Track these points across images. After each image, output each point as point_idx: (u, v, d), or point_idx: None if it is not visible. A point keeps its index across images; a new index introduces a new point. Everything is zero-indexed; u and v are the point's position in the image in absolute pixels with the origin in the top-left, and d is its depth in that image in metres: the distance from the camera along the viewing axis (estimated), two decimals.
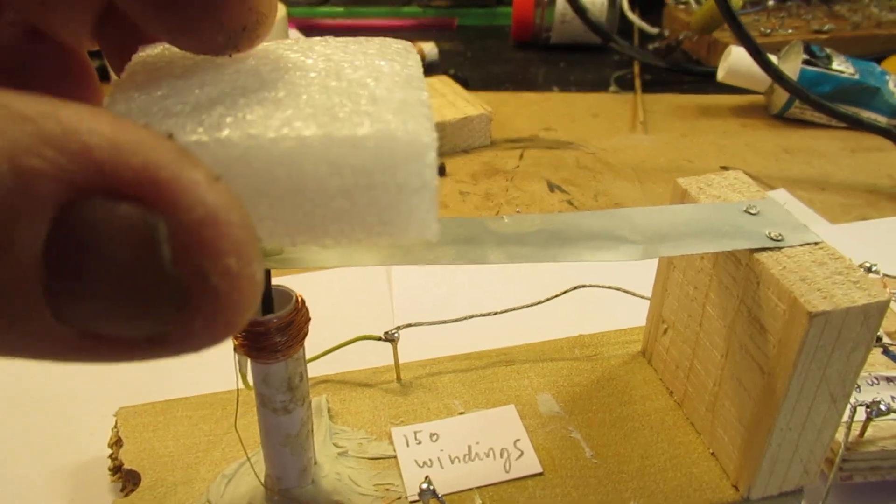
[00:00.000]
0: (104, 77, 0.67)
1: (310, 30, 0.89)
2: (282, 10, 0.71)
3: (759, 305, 0.25)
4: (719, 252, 0.27)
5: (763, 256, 0.25)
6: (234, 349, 0.24)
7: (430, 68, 0.76)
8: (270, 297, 0.23)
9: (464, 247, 0.23)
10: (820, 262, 0.25)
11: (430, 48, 0.76)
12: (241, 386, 0.25)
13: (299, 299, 0.24)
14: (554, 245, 0.24)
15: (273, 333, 0.23)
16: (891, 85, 0.62)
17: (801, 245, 0.25)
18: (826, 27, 0.76)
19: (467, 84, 0.67)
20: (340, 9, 0.92)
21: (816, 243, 0.25)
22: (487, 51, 0.84)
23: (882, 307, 0.23)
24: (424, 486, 0.25)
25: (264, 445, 0.26)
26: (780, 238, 0.25)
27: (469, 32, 0.90)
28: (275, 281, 0.24)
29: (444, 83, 0.64)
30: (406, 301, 0.42)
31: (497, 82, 0.74)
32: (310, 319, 0.24)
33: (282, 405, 0.24)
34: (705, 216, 0.27)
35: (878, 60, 0.70)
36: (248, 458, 0.27)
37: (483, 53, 0.83)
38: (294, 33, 0.81)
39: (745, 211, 0.27)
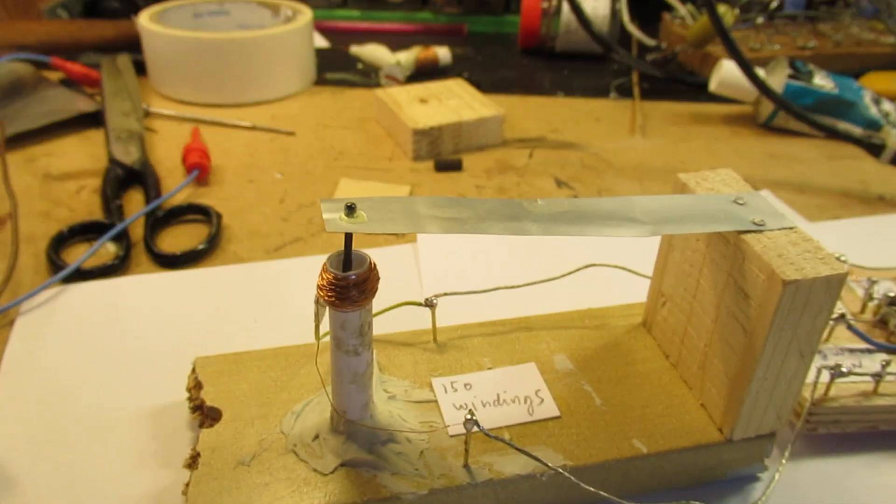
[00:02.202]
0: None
1: (328, 31, 0.94)
2: (308, 13, 0.76)
3: (744, 277, 0.31)
4: (711, 234, 0.33)
5: (748, 237, 0.31)
6: (316, 301, 0.29)
7: (443, 71, 0.81)
8: (350, 258, 0.28)
9: (508, 222, 0.29)
10: (794, 243, 0.30)
11: (444, 52, 0.81)
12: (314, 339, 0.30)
13: (372, 262, 0.29)
14: (580, 222, 0.30)
15: (351, 287, 0.28)
16: (866, 99, 0.68)
17: (779, 229, 0.31)
18: (810, 44, 0.82)
19: (480, 87, 0.73)
20: (357, 12, 0.97)
21: (791, 228, 0.31)
22: (496, 56, 0.89)
23: (841, 279, 0.29)
24: (468, 416, 0.30)
25: (335, 383, 0.31)
26: (762, 223, 0.31)
27: (478, 39, 0.95)
28: None
29: (460, 86, 0.70)
30: (432, 277, 0.47)
31: (505, 86, 0.80)
32: (379, 279, 0.29)
33: (353, 348, 0.30)
34: (701, 204, 0.32)
35: (858, 76, 0.76)
36: (325, 389, 0.33)
37: (492, 59, 0.88)
38: (315, 35, 0.86)
39: (734, 201, 0.33)
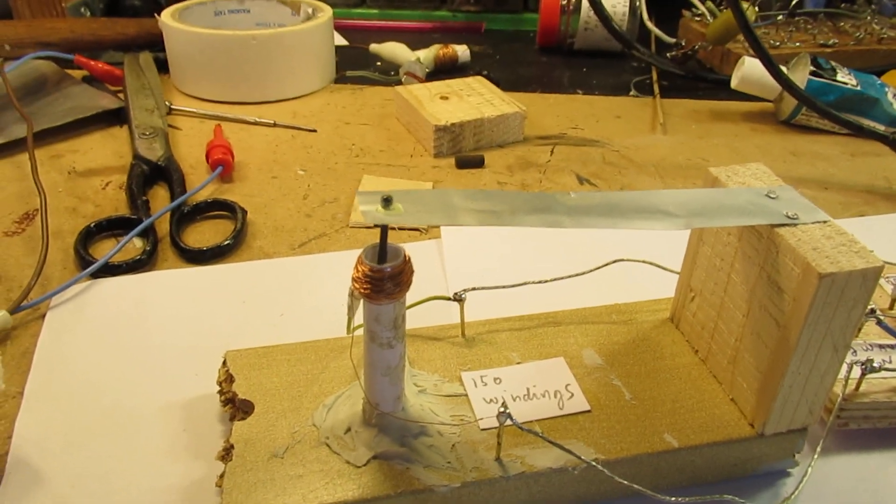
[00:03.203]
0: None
1: (346, 29, 0.94)
2: (328, 11, 0.77)
3: (778, 271, 0.31)
4: (744, 227, 0.32)
5: (782, 231, 0.30)
6: (351, 293, 0.30)
7: (462, 69, 0.81)
8: (385, 251, 0.29)
9: (542, 215, 0.29)
10: (828, 237, 0.30)
11: (462, 50, 0.82)
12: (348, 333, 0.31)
13: (406, 256, 0.29)
14: (613, 215, 0.30)
15: (386, 280, 0.28)
16: (889, 96, 0.68)
17: (813, 223, 0.31)
18: (831, 41, 0.82)
19: (499, 84, 0.73)
20: (375, 10, 0.97)
21: (825, 222, 0.31)
22: (514, 54, 0.89)
23: (877, 272, 0.29)
24: (501, 409, 0.30)
25: (368, 375, 0.31)
26: (795, 217, 0.31)
27: (496, 36, 0.95)
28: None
29: (480, 83, 0.70)
30: (456, 272, 0.47)
31: (524, 83, 0.80)
32: (413, 272, 0.30)
33: (387, 340, 0.30)
34: (734, 198, 0.32)
35: (879, 73, 0.75)
36: (359, 381, 0.33)
37: (510, 56, 0.88)
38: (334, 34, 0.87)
39: (767, 195, 0.33)
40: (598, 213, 0.30)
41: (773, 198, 0.32)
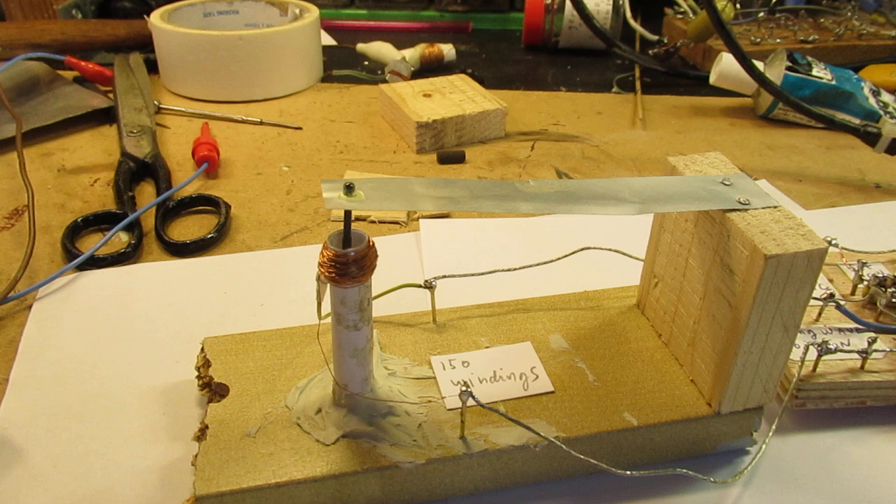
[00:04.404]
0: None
1: (335, 30, 0.95)
2: (315, 11, 0.78)
3: (729, 254, 0.32)
4: (700, 214, 0.34)
5: (733, 215, 0.32)
6: (318, 278, 0.31)
7: (448, 67, 0.82)
8: (350, 236, 0.30)
9: (500, 201, 0.30)
10: (777, 221, 0.31)
11: (448, 49, 0.83)
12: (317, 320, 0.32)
13: (370, 241, 0.30)
14: (570, 202, 0.31)
15: (351, 264, 0.30)
16: (866, 91, 0.69)
17: (763, 208, 0.32)
18: (811, 38, 0.83)
19: (483, 82, 0.74)
20: (363, 11, 0.99)
21: (775, 207, 0.32)
22: (500, 53, 0.91)
23: (821, 254, 0.30)
24: (463, 388, 0.31)
25: (336, 357, 0.32)
26: (746, 202, 0.32)
27: (483, 36, 0.97)
28: None
29: (463, 80, 0.71)
30: (433, 263, 0.48)
31: (509, 81, 0.81)
32: (377, 256, 0.31)
33: (353, 323, 0.31)
34: (689, 185, 0.33)
35: (858, 69, 0.77)
36: (328, 366, 0.34)
37: (496, 55, 0.90)
38: (322, 35, 0.88)
39: (721, 182, 0.34)
40: (555, 199, 0.31)
41: (727, 185, 0.34)
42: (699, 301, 0.35)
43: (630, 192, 0.32)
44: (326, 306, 0.32)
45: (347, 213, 0.29)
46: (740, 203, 0.32)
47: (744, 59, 0.60)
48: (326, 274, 0.30)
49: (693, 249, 0.35)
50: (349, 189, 0.28)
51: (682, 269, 0.36)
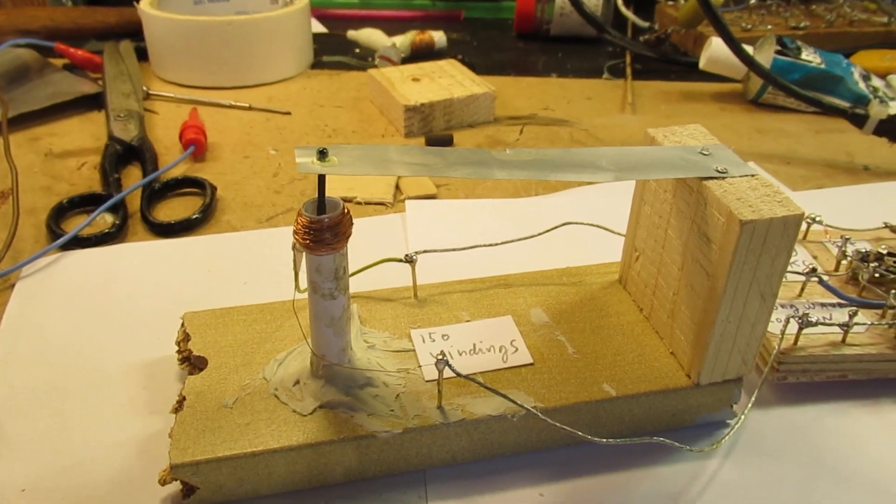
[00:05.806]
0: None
1: (328, 18, 0.95)
2: None
3: (706, 222, 0.32)
4: (678, 184, 0.34)
5: (710, 183, 0.32)
6: (293, 247, 0.31)
7: (439, 54, 0.82)
8: (324, 203, 0.30)
9: (476, 167, 0.30)
10: (753, 188, 0.31)
11: (439, 36, 0.83)
12: (296, 294, 0.32)
13: (345, 207, 0.30)
14: (546, 169, 0.31)
15: (325, 230, 0.30)
16: (856, 75, 0.69)
17: (741, 176, 0.32)
18: (802, 24, 0.83)
19: (474, 68, 0.74)
20: None
21: (753, 175, 0.32)
22: (492, 40, 0.90)
23: (797, 219, 0.30)
24: (440, 357, 0.31)
25: (312, 327, 0.32)
26: (724, 171, 0.32)
27: (475, 24, 0.96)
28: None
29: (452, 66, 0.71)
30: (418, 243, 0.48)
31: (500, 68, 0.81)
32: (352, 223, 0.31)
33: (329, 291, 0.31)
34: (667, 154, 0.33)
35: (849, 55, 0.77)
36: (306, 339, 0.34)
37: (487, 43, 0.90)
38: (314, 22, 0.88)
39: (700, 152, 0.34)
40: (531, 167, 0.31)
41: (705, 154, 0.34)
42: (678, 272, 0.34)
43: (607, 161, 0.32)
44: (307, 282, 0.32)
45: (321, 178, 0.29)
46: (718, 171, 0.32)
47: (731, 41, 0.59)
48: (301, 241, 0.30)
49: (672, 220, 0.35)
50: (322, 154, 0.28)
51: (661, 240, 0.36)
